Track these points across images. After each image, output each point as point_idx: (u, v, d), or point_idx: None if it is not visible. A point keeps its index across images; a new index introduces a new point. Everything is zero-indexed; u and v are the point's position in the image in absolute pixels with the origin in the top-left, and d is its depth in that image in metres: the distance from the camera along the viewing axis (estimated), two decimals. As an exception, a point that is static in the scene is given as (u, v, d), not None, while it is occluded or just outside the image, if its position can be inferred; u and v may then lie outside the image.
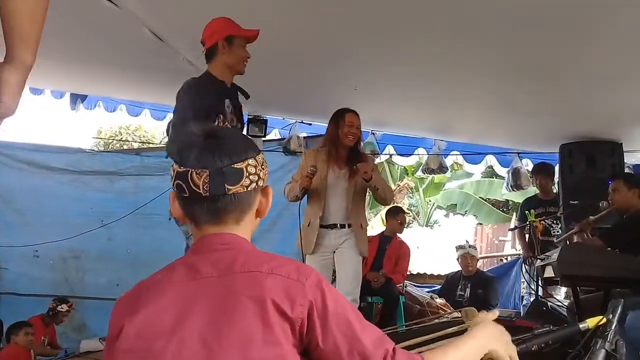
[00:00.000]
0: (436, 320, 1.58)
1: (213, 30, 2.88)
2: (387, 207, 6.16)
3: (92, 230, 5.72)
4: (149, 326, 1.05)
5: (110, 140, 16.49)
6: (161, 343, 1.03)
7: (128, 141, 16.05)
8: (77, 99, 6.56)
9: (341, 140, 3.70)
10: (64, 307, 5.17)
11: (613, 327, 1.34)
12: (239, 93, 3.09)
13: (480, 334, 1.25)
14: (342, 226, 3.71)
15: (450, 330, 1.35)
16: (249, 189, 1.16)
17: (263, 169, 1.20)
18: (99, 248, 5.94)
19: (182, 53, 4.02)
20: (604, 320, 1.38)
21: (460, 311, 1.40)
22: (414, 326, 1.53)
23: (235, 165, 1.14)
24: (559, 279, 3.03)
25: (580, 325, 1.38)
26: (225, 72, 2.95)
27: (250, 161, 1.16)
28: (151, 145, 14.29)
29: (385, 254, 5.51)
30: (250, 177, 1.16)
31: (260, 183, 1.19)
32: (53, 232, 5.68)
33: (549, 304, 4.06)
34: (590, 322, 1.38)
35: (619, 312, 1.36)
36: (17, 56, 1.15)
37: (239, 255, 1.12)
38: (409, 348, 1.19)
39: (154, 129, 16.68)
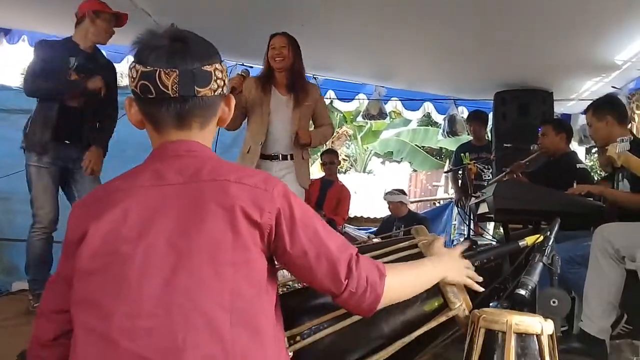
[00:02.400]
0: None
1: (85, 5, 3.50)
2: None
3: (21, 171, 5.45)
4: (115, 231, 1.04)
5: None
6: (128, 247, 1.02)
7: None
8: (0, 32, 6.13)
9: (273, 66, 3.58)
10: None
11: (550, 243, 1.44)
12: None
13: (437, 262, 1.33)
14: (284, 157, 3.59)
15: (401, 245, 1.41)
16: (215, 94, 1.15)
17: (226, 76, 1.19)
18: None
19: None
20: (541, 238, 1.48)
21: (410, 229, 1.47)
22: (365, 244, 1.59)
23: (205, 68, 1.13)
24: (492, 214, 3.19)
25: (520, 243, 1.48)
26: (85, 39, 3.52)
27: (218, 66, 1.16)
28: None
29: (327, 197, 5.64)
30: (218, 81, 1.15)
31: (225, 90, 1.18)
32: (-21, 173, 5.38)
33: (479, 242, 4.27)
34: (529, 240, 1.48)
35: (555, 229, 1.47)
36: None
37: (206, 163, 1.11)
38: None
39: (84, 70, 15.81)
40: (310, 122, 3.81)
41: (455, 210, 6.31)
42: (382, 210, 7.42)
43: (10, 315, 3.41)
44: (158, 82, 1.10)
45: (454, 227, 7.12)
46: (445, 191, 10.29)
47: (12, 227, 5.66)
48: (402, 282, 1.20)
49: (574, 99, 5.74)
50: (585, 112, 3.44)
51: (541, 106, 5.35)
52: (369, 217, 8.25)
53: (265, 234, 1.06)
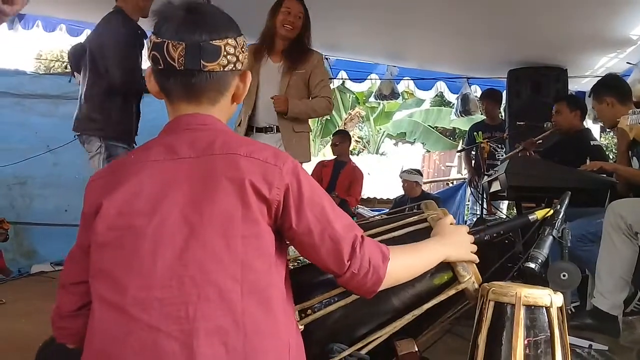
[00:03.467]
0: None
1: None
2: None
3: (38, 155, 5.53)
4: (128, 204, 1.06)
5: (52, 64, 15.68)
6: (142, 220, 1.05)
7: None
8: (15, 17, 6.17)
9: (277, 31, 3.24)
10: None
11: (560, 217, 1.44)
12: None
13: (441, 241, 1.32)
14: (272, 129, 3.27)
15: (410, 219, 1.42)
16: (225, 69, 1.14)
17: (243, 51, 1.17)
18: (45, 174, 5.75)
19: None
20: (551, 212, 1.48)
21: (420, 204, 1.47)
22: (375, 218, 1.60)
23: (214, 42, 1.12)
24: (505, 192, 3.17)
25: (530, 217, 1.48)
26: (135, 13, 3.38)
27: (230, 41, 1.14)
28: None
29: (339, 177, 5.66)
30: (228, 57, 1.13)
31: (239, 66, 1.17)
32: (-4, 158, 5.46)
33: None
34: (539, 214, 1.48)
35: (566, 203, 1.46)
36: None
37: (217, 136, 1.12)
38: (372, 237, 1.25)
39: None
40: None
41: (469, 190, 6.29)
42: (395, 192, 7.43)
43: (29, 295, 3.49)
44: (166, 53, 1.11)
45: (467, 207, 7.11)
46: (458, 171, 10.25)
47: (31, 211, 5.76)
48: (404, 265, 1.21)
49: (589, 75, 5.68)
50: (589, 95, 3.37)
51: (555, 84, 5.33)
52: (382, 198, 8.27)
53: (273, 209, 1.07)
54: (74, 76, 3.77)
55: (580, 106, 4.01)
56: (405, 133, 12.81)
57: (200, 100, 1.16)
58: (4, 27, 6.20)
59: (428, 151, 13.23)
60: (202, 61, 1.11)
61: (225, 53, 1.13)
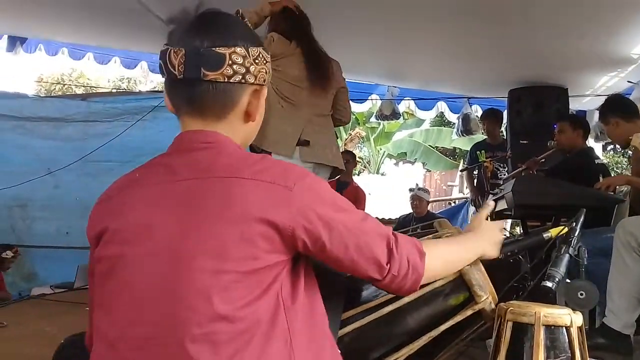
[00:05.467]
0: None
1: None
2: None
3: (38, 177, 5.52)
4: (121, 232, 1.00)
5: (53, 88, 15.75)
6: (133, 250, 0.98)
7: (72, 87, 15.31)
8: (16, 41, 6.20)
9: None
10: (8, 254, 5.02)
11: (576, 234, 1.41)
12: None
13: (476, 237, 1.28)
14: None
15: (424, 238, 1.39)
16: (231, 81, 1.04)
17: (256, 64, 1.06)
18: (45, 196, 5.75)
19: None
20: (565, 230, 1.46)
21: (432, 222, 1.45)
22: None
23: (217, 49, 1.02)
24: (511, 211, 3.15)
25: (544, 235, 1.46)
26: None
27: (239, 50, 1.04)
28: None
29: (341, 198, 5.65)
30: (235, 67, 1.03)
31: (250, 79, 1.06)
32: (-3, 180, 5.45)
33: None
34: (553, 232, 1.46)
35: (581, 220, 1.44)
36: None
37: (219, 156, 1.03)
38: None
39: (98, 77, 15.97)
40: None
41: (471, 209, 6.27)
42: (396, 212, 7.41)
43: (29, 318, 3.46)
44: (168, 61, 1.03)
45: (470, 226, 7.08)
46: (460, 191, 10.25)
47: (32, 234, 5.74)
48: (441, 259, 1.17)
49: (590, 95, 5.68)
50: None
51: (556, 103, 5.31)
52: (383, 219, 8.20)
53: (287, 236, 0.97)
54: None
55: (583, 125, 4.02)
56: (405, 153, 12.84)
57: (204, 114, 1.06)
58: (4, 51, 6.24)
59: (429, 171, 13.25)
60: (202, 69, 1.01)
61: (230, 62, 1.03)
